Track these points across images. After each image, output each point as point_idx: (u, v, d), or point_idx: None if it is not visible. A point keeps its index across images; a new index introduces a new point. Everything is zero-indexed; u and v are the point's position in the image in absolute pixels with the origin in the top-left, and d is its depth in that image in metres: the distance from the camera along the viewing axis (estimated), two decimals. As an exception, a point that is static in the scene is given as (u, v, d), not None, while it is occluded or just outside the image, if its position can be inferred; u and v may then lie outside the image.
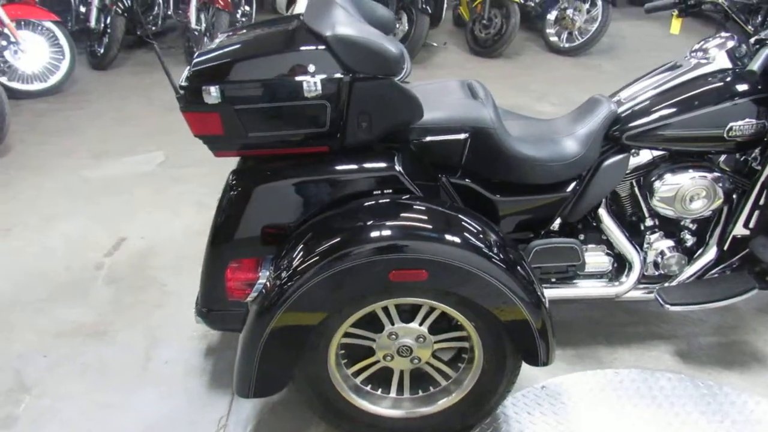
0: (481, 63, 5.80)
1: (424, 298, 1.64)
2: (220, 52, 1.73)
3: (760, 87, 1.91)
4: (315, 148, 1.78)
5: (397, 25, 5.61)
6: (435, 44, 6.18)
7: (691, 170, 1.99)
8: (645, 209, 2.10)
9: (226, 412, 1.97)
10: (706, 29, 5.28)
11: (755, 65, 1.72)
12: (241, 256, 1.77)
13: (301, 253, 1.58)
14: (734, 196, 2.10)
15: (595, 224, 2.11)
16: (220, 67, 1.67)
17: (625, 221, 2.14)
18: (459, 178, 1.95)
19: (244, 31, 1.99)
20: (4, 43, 4.66)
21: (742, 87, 1.89)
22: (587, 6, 5.73)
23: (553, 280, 2.13)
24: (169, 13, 6.00)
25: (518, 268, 1.64)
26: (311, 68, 1.65)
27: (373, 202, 1.70)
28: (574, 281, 2.13)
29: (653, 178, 2.01)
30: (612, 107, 2.01)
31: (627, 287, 2.12)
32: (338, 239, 1.57)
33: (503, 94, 4.86)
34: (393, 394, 1.85)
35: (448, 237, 1.58)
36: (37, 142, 4.06)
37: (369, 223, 1.61)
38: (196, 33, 5.42)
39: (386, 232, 1.57)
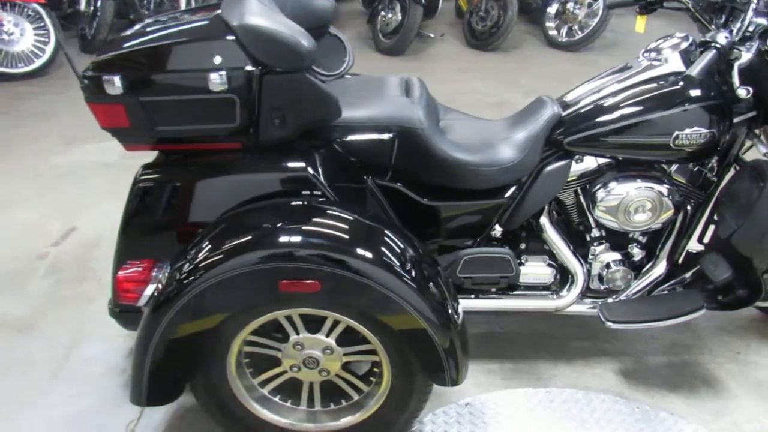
0: (476, 56, 5.64)
1: (323, 310, 1.54)
2: (127, 41, 1.64)
3: (712, 93, 1.77)
4: (227, 145, 1.69)
5: (389, 15, 5.48)
6: (432, 35, 6.03)
7: (637, 180, 1.85)
8: (590, 219, 1.97)
9: (137, 416, 1.89)
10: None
11: (694, 70, 1.57)
12: (137, 257, 1.68)
13: (192, 257, 1.49)
14: (689, 208, 1.97)
15: (537, 233, 1.99)
16: (123, 57, 1.58)
17: (570, 231, 2.01)
18: (388, 180, 1.84)
19: (164, 18, 1.89)
20: (-12, 24, 4.64)
21: (690, 93, 1.75)
22: (588, 1, 5.54)
23: (494, 290, 2.02)
24: None
25: (426, 283, 1.54)
26: (217, 60, 1.55)
27: (272, 206, 1.60)
28: (514, 292, 2.02)
29: (596, 187, 1.88)
30: (555, 110, 1.88)
31: (568, 301, 1.99)
32: (229, 245, 1.47)
33: (492, 89, 4.74)
34: (304, 406, 1.76)
35: (347, 247, 1.47)
36: (12, 126, 4.03)
37: (261, 228, 1.50)
38: (85, 16, 5.36)
39: (276, 239, 1.47)
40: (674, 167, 1.94)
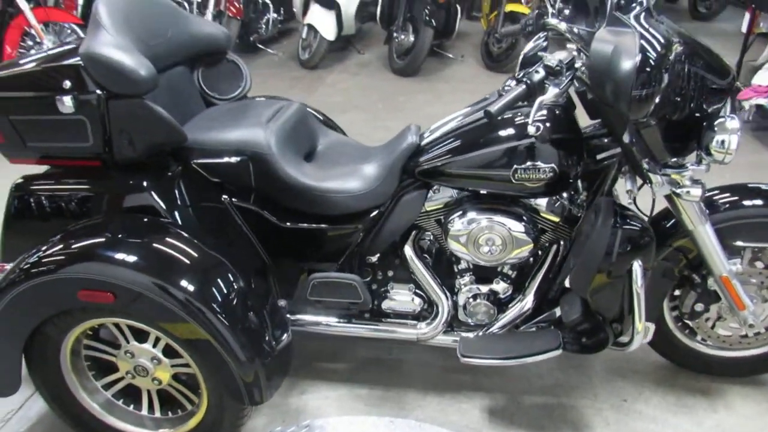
0: (491, 77, 5.59)
1: (126, 319, 1.63)
2: (7, 65, 1.82)
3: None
4: (89, 162, 1.82)
5: (402, 37, 5.54)
6: (451, 56, 6.04)
7: (487, 213, 1.81)
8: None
9: (18, 406, 2.05)
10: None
11: (494, 106, 1.53)
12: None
13: (19, 262, 1.63)
14: (562, 243, 1.91)
15: (403, 262, 1.99)
16: (-3, 79, 1.76)
17: (441, 262, 2.00)
18: (251, 202, 1.91)
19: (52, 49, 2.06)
20: (31, 43, 5.11)
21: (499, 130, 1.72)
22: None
23: (367, 315, 2.04)
24: (279, 17, 6.39)
25: (236, 316, 1.61)
26: (67, 84, 1.70)
27: (101, 223, 1.71)
28: (380, 319, 2.02)
29: (450, 218, 1.86)
30: (413, 139, 1.88)
31: (430, 332, 1.97)
32: (46, 254, 1.60)
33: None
34: (144, 412, 1.85)
35: (142, 264, 1.56)
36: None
37: (78, 242, 1.62)
38: None
39: (80, 252, 1.58)
40: (543, 201, 1.88)
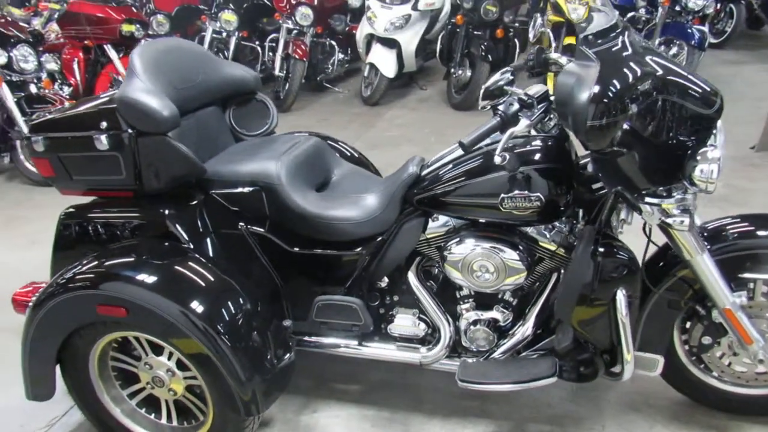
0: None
1: (142, 333, 1.81)
2: (56, 111, 2.11)
3: (548, 158, 1.76)
4: (123, 193, 2.06)
5: (460, 72, 5.66)
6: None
7: (482, 241, 1.87)
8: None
9: (62, 413, 2.28)
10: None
11: (468, 137, 1.60)
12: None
13: (54, 280, 1.86)
14: (562, 271, 1.92)
15: (407, 287, 2.07)
16: (45, 122, 2.04)
17: (444, 288, 2.06)
18: (266, 228, 2.07)
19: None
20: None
21: (524, 157, 1.76)
22: (673, 51, 5.24)
23: (374, 338, 2.12)
24: (345, 58, 6.73)
25: (240, 337, 1.77)
26: (103, 125, 1.94)
27: (126, 246, 1.93)
28: (384, 342, 2.10)
29: (448, 245, 1.93)
30: (413, 169, 1.98)
31: (432, 356, 2.03)
32: (75, 273, 1.82)
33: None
34: (164, 421, 2.02)
35: (154, 283, 1.75)
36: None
37: (99, 262, 1.83)
38: (279, 79, 6.04)
39: (101, 271, 1.79)
40: (539, 229, 1.91)
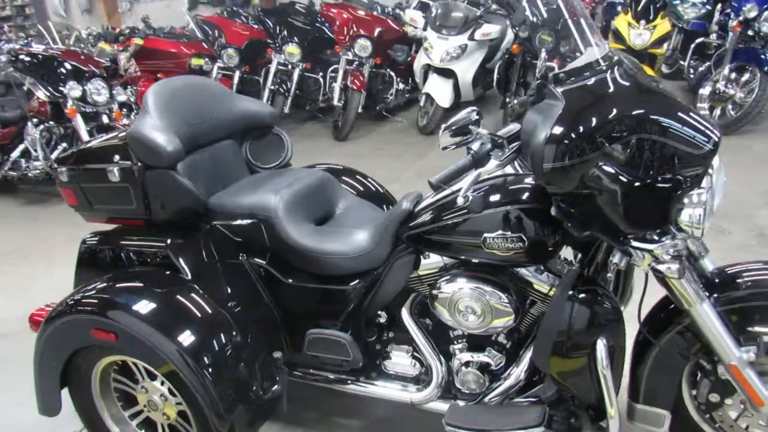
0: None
1: (133, 358, 1.88)
2: (84, 143, 2.27)
3: (523, 198, 1.70)
4: (135, 222, 2.18)
5: (515, 100, 5.57)
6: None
7: (473, 281, 1.81)
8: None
9: (79, 429, 2.39)
10: None
11: (437, 176, 1.56)
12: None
13: (61, 302, 1.98)
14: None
15: (400, 324, 2.04)
16: (69, 155, 2.20)
17: (436, 326, 2.01)
18: (263, 260, 2.11)
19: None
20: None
21: (494, 197, 1.71)
22: (746, 77, 4.92)
23: (370, 374, 2.10)
24: (406, 87, 6.81)
25: (224, 370, 1.81)
26: (116, 158, 2.07)
27: (127, 274, 2.03)
28: (375, 379, 2.08)
29: (437, 283, 1.89)
30: (407, 205, 1.96)
31: (424, 396, 1.98)
32: (76, 298, 1.93)
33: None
34: (163, 445, 2.09)
35: (143, 312, 1.82)
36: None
37: (99, 288, 1.93)
38: (337, 109, 6.20)
39: (99, 297, 1.89)
40: (531, 271, 1.84)
